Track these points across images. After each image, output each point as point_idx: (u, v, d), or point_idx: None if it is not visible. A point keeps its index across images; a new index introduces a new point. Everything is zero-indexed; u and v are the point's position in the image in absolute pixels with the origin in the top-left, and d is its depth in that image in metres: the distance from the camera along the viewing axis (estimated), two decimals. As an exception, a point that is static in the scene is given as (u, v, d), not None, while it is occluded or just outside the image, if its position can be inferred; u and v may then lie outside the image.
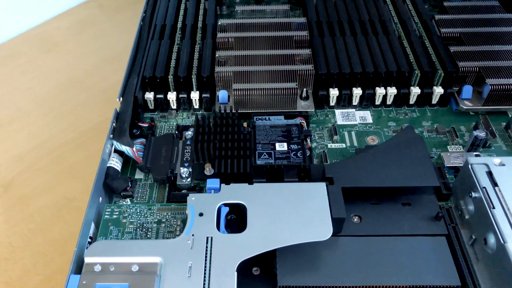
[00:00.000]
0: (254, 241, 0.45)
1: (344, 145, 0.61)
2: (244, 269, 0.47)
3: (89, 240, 0.49)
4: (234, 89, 0.61)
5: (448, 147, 0.60)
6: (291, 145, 0.56)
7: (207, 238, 0.45)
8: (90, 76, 0.96)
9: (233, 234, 0.45)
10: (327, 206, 0.47)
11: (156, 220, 0.51)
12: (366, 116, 0.65)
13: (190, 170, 0.56)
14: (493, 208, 0.46)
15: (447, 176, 0.55)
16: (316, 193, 0.48)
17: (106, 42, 1.04)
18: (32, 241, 0.69)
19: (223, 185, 0.49)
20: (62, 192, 0.75)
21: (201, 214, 0.47)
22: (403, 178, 0.50)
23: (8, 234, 0.69)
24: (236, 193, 0.49)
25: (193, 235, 0.45)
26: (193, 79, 0.63)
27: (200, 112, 0.66)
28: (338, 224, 0.47)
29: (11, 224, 0.71)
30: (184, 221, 0.51)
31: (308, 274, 0.46)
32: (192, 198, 0.48)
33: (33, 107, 0.89)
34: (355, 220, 0.50)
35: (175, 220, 0.51)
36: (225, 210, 0.48)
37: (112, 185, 0.54)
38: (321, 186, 0.49)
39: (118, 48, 1.02)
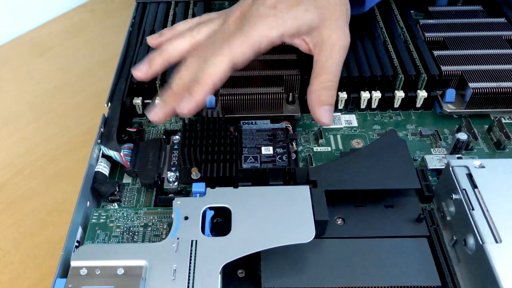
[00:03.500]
0: (238, 244, 0.45)
1: (329, 149, 0.62)
2: (229, 271, 0.47)
3: (76, 244, 0.50)
4: (220, 94, 0.62)
5: (432, 149, 0.61)
6: (276, 149, 0.57)
7: (192, 241, 0.46)
8: (82, 80, 0.97)
9: (217, 237, 0.46)
10: (310, 208, 0.48)
11: (142, 224, 0.51)
12: (351, 119, 0.66)
13: (177, 174, 0.57)
14: (473, 209, 0.47)
15: (430, 178, 0.56)
16: (299, 196, 0.49)
17: (98, 47, 1.05)
18: (22, 245, 0.70)
19: (208, 189, 0.50)
20: (53, 196, 0.76)
21: (186, 218, 0.48)
22: (385, 181, 0.51)
23: (-2, 238, 0.70)
24: (221, 196, 0.50)
25: (178, 238, 0.46)
26: (180, 84, 0.64)
27: (188, 117, 0.66)
28: (321, 226, 0.48)
29: (1, 228, 0.71)
30: (170, 225, 0.52)
31: (292, 276, 0.47)
32: (177, 202, 0.49)
33: (25, 111, 0.90)
34: (339, 222, 0.51)
35: (161, 224, 0.51)
36: (210, 213, 0.49)
37: (100, 190, 0.55)
38: (305, 189, 0.50)
39: (110, 52, 1.02)
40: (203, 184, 0.50)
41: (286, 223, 0.47)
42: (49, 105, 0.91)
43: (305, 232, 0.46)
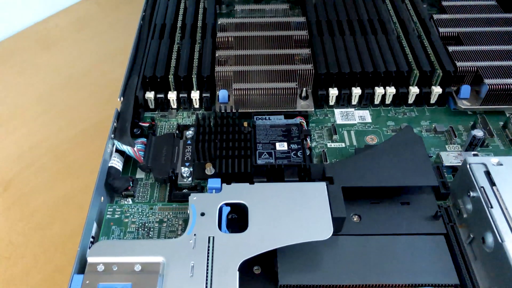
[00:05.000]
0: (255, 241, 0.45)
1: (343, 145, 0.61)
2: (245, 268, 0.47)
3: (91, 240, 0.49)
4: (234, 88, 0.61)
5: (446, 146, 0.60)
6: (291, 145, 0.57)
7: (209, 237, 0.45)
8: (89, 74, 0.96)
9: (234, 233, 0.46)
10: (328, 205, 0.48)
11: (157, 220, 0.51)
12: (365, 115, 0.65)
13: (191, 169, 0.56)
14: (491, 207, 0.46)
15: (446, 175, 0.55)
16: (316, 193, 0.49)
17: (105, 40, 1.04)
18: (32, 239, 0.69)
19: (224, 184, 0.50)
20: (61, 190, 0.76)
21: (202, 214, 0.47)
22: (402, 178, 0.51)
23: (8, 232, 0.70)
24: (237, 193, 0.49)
25: (195, 234, 0.46)
26: (193, 79, 0.63)
27: (201, 111, 0.66)
28: (338, 223, 0.48)
29: (11, 223, 0.71)
30: (185, 221, 0.51)
31: (308, 273, 0.47)
32: (193, 198, 0.49)
33: (32, 105, 0.89)
34: (355, 219, 0.51)
35: (176, 220, 0.51)
36: (226, 209, 0.48)
37: (114, 185, 0.54)
38: (321, 186, 0.49)
39: (117, 45, 1.02)
40: (219, 180, 0.50)
41: (303, 220, 0.47)
42: (55, 99, 0.91)
43: (322, 229, 0.46)
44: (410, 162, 0.52)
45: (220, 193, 0.49)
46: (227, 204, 0.48)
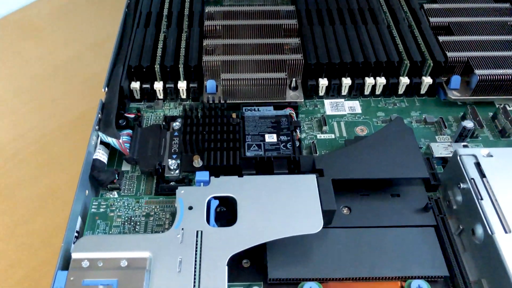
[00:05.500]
0: (244, 235, 0.44)
1: (333, 136, 0.60)
2: (234, 261, 0.46)
3: (76, 234, 0.48)
4: (222, 79, 0.60)
5: (436, 137, 0.60)
6: (280, 137, 0.56)
7: (197, 232, 0.44)
8: (72, 64, 0.93)
9: (223, 228, 0.45)
10: (318, 198, 0.47)
11: (144, 214, 0.50)
12: (355, 106, 0.64)
13: (179, 162, 0.55)
14: (481, 199, 0.46)
15: (436, 166, 0.55)
16: (306, 185, 0.48)
17: (89, 29, 1.01)
18: (16, 232, 0.68)
19: (212, 177, 0.49)
20: (45, 183, 0.74)
21: (190, 208, 0.46)
22: (392, 170, 0.50)
23: (-9, 226, 0.68)
24: (226, 185, 0.48)
25: (182, 229, 0.45)
26: (180, 69, 0.62)
27: (188, 102, 0.65)
28: (328, 216, 0.47)
29: (-6, 217, 0.69)
30: (173, 214, 0.50)
31: (298, 266, 0.46)
32: (181, 191, 0.47)
33: (13, 96, 0.87)
34: (345, 211, 0.51)
35: (163, 213, 0.50)
36: (215, 203, 0.47)
37: (98, 178, 0.53)
38: (311, 178, 0.49)
39: (101, 35, 0.99)
40: (207, 172, 0.49)
41: (293, 213, 0.46)
42: (39, 90, 0.88)
43: (312, 223, 0.45)
44: (401, 154, 0.52)
45: (208, 186, 0.48)
46: (215, 198, 0.48)
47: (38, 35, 1.00)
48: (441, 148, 0.57)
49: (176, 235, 0.44)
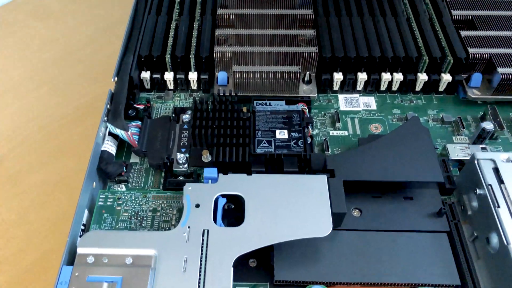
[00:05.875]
0: (251, 236, 0.43)
1: (346, 133, 0.59)
2: (240, 260, 0.45)
3: (82, 228, 0.48)
4: (233, 71, 0.58)
5: (454, 137, 0.58)
6: (291, 133, 0.54)
7: (203, 231, 0.44)
8: (85, 47, 0.93)
9: (230, 227, 0.44)
10: (328, 200, 0.46)
11: (151, 209, 0.49)
12: (370, 102, 0.62)
13: (187, 155, 0.54)
14: (498, 207, 0.45)
15: (451, 169, 0.53)
16: (316, 186, 0.47)
17: (102, 11, 1.00)
18: (25, 218, 0.68)
19: (220, 175, 0.48)
20: (54, 170, 0.74)
21: (197, 205, 0.45)
22: (406, 172, 0.49)
23: (1, 211, 0.68)
24: (234, 184, 0.47)
25: (189, 227, 0.44)
26: (191, 59, 0.60)
27: (199, 93, 0.63)
28: (338, 219, 0.46)
29: (3, 201, 0.69)
30: (180, 210, 0.50)
31: (305, 269, 0.45)
32: (188, 188, 0.47)
33: (26, 79, 0.87)
34: (355, 213, 0.49)
35: (171, 209, 0.49)
36: (222, 201, 0.46)
37: (106, 170, 0.52)
38: (322, 179, 0.47)
39: (114, 17, 0.98)
40: (215, 169, 0.48)
41: (302, 215, 0.45)
42: (51, 73, 0.88)
43: (321, 226, 0.44)
44: (416, 156, 0.50)
45: (216, 184, 0.47)
46: (223, 196, 0.47)
47: (52, 17, 0.99)
48: (458, 150, 0.55)
49: (182, 233, 0.43)
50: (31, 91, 0.84)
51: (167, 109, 0.62)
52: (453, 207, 0.50)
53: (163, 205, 0.50)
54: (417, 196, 0.50)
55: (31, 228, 0.67)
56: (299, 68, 0.59)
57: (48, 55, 0.91)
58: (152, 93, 0.63)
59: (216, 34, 0.63)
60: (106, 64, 0.87)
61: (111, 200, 0.50)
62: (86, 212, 0.49)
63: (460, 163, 0.55)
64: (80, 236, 0.47)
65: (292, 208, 0.45)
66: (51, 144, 0.77)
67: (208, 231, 0.44)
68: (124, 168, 0.53)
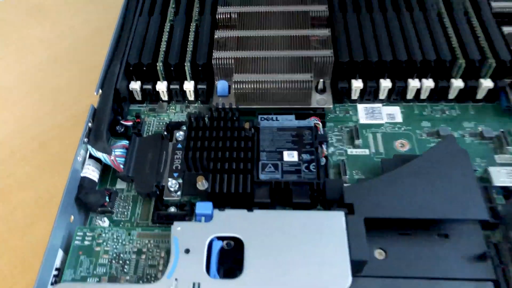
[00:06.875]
0: (251, 290, 0.36)
1: (367, 151, 0.50)
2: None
3: (55, 273, 0.41)
4: (235, 81, 0.50)
5: (496, 156, 0.49)
6: (302, 155, 0.46)
7: (194, 284, 0.36)
8: (79, 49, 0.85)
9: (226, 280, 0.37)
10: (345, 243, 0.38)
11: (135, 250, 0.42)
12: (394, 113, 0.54)
13: (180, 182, 0.47)
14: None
15: (495, 196, 0.44)
16: (332, 225, 0.39)
17: (96, 11, 0.93)
18: (10, 242, 0.62)
19: (216, 211, 0.40)
20: (45, 185, 0.67)
21: (187, 251, 0.38)
22: (442, 208, 0.40)
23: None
24: (232, 222, 0.40)
25: (176, 279, 0.36)
26: (186, 67, 0.52)
27: (196, 105, 0.56)
28: (358, 265, 0.38)
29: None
30: (168, 252, 0.42)
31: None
32: (177, 228, 0.39)
33: (16, 84, 0.80)
34: (379, 255, 0.41)
35: (158, 250, 0.42)
36: (217, 245, 0.39)
37: (86, 201, 0.45)
38: (339, 217, 0.39)
39: (109, 18, 0.90)
40: (210, 204, 0.40)
41: (314, 263, 0.37)
42: (43, 78, 0.81)
43: (338, 277, 0.36)
44: (452, 186, 0.41)
45: (211, 222, 0.40)
46: (218, 238, 0.39)
47: (45, 18, 0.92)
48: (502, 174, 0.46)
49: (167, 287, 0.36)
50: (22, 97, 0.78)
51: (161, 123, 0.54)
52: (499, 247, 0.41)
53: (149, 245, 0.42)
54: (454, 233, 0.42)
55: (16, 254, 0.60)
56: (311, 76, 0.50)
57: (40, 58, 0.84)
58: (144, 105, 0.56)
59: (215, 37, 0.54)
60: (100, 68, 0.79)
61: (90, 238, 0.43)
62: (61, 252, 0.42)
63: (505, 189, 0.45)
64: (52, 285, 0.40)
65: (301, 254, 0.37)
66: (42, 157, 0.70)
67: (199, 284, 0.36)
68: (107, 197, 0.46)
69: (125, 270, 0.41)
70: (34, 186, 0.67)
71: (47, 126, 0.74)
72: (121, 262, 0.41)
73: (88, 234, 0.43)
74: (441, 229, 0.42)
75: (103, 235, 0.43)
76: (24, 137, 0.73)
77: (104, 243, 0.42)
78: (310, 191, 0.44)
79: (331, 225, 0.39)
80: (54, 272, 0.41)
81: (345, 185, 0.43)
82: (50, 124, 0.74)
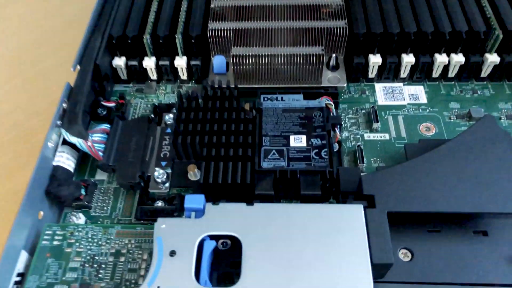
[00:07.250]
0: (251, 302, 0.29)
1: (387, 136, 0.44)
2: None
3: (17, 279, 0.34)
4: (233, 55, 0.43)
5: (538, 142, 0.42)
6: (312, 139, 0.39)
7: (180, 294, 0.30)
8: (64, 31, 0.79)
9: (219, 288, 0.30)
10: (365, 242, 0.31)
11: (113, 251, 0.35)
12: (418, 93, 0.47)
13: (169, 171, 0.40)
14: None
15: (539, 188, 0.37)
16: (348, 222, 0.33)
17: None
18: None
19: (209, 205, 0.34)
20: (26, 178, 0.61)
21: (173, 253, 0.31)
22: (479, 200, 0.34)
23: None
24: (228, 218, 0.33)
25: (158, 287, 0.30)
26: (177, 40, 0.46)
27: (190, 84, 0.49)
28: (380, 270, 0.31)
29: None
30: (152, 253, 0.35)
31: None
32: (161, 225, 0.33)
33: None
34: (404, 257, 0.34)
35: (140, 252, 0.35)
36: (210, 245, 0.32)
37: (58, 194, 0.39)
38: (356, 211, 0.33)
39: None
40: (201, 197, 0.34)
41: (327, 267, 0.30)
42: (25, 61, 0.75)
43: (357, 284, 0.29)
44: (492, 174, 0.35)
45: (202, 218, 0.33)
46: (211, 237, 0.32)
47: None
48: (549, 161, 0.39)
49: (148, 297, 0.29)
50: (4, 83, 0.72)
51: (149, 105, 0.48)
52: (548, 247, 0.34)
53: (129, 246, 0.35)
54: (494, 230, 0.36)
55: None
56: (322, 49, 0.44)
57: (22, 41, 0.78)
58: (131, 85, 0.50)
59: (211, 6, 0.48)
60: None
61: (60, 237, 0.36)
62: (25, 254, 0.35)
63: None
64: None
65: (311, 256, 0.31)
66: (22, 147, 0.64)
67: (186, 294, 0.29)
68: (83, 190, 0.39)
69: (100, 275, 0.34)
70: (13, 179, 0.61)
71: (28, 113, 0.68)
72: (95, 266, 0.34)
73: (58, 232, 0.36)
74: (478, 225, 0.36)
75: (76, 233, 0.36)
76: (2, 126, 0.67)
77: (77, 243, 0.36)
78: (321, 181, 0.37)
79: (348, 220, 0.32)
80: (16, 278, 0.34)
81: (362, 174, 0.36)
82: (31, 112, 0.68)
